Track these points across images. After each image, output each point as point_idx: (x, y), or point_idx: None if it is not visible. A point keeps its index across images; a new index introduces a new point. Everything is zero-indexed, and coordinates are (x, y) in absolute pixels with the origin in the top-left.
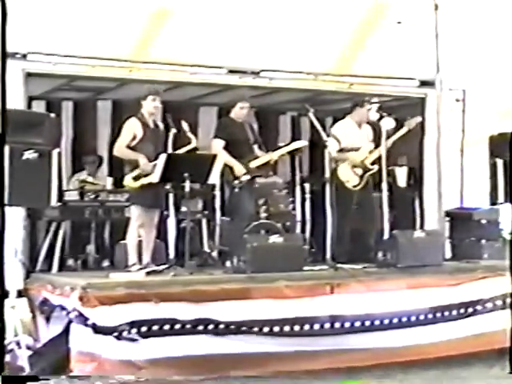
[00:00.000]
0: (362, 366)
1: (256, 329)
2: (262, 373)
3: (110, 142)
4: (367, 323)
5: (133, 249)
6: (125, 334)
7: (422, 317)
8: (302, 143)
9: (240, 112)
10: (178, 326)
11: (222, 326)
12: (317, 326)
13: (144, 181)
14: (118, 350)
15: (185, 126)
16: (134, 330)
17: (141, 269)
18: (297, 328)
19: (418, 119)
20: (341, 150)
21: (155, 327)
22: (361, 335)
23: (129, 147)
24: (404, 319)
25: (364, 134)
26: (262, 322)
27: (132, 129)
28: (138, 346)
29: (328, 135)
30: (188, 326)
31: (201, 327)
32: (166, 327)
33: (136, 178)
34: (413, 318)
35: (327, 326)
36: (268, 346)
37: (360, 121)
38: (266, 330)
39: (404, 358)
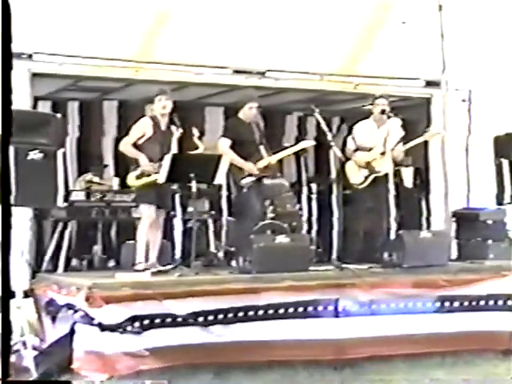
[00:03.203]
0: (362, 358)
1: (251, 313)
2: (259, 361)
3: (116, 141)
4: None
5: (142, 248)
6: (128, 328)
7: (428, 304)
8: (310, 143)
9: (249, 112)
10: (179, 319)
11: (220, 316)
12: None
13: (146, 180)
14: (121, 343)
15: (195, 131)
16: (137, 324)
17: (146, 269)
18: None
19: (439, 131)
20: (356, 150)
21: (157, 320)
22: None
23: (134, 145)
24: (410, 304)
25: (381, 135)
26: (259, 306)
27: (143, 128)
28: (140, 338)
29: (334, 136)
30: (190, 320)
31: (201, 319)
32: (168, 320)
33: (139, 177)
34: (418, 304)
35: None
36: (265, 335)
37: (378, 120)
38: (260, 312)
39: (407, 349)
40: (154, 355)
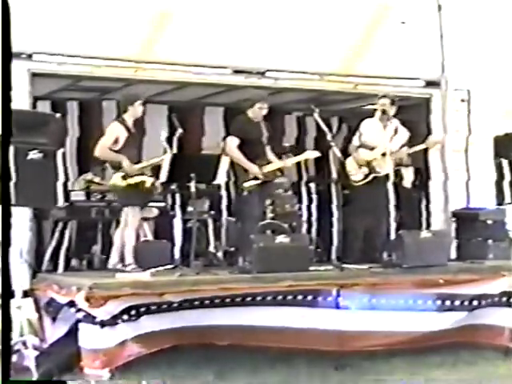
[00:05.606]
0: (359, 351)
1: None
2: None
3: None
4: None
5: (118, 249)
6: (125, 317)
7: (428, 302)
8: (315, 154)
9: (258, 112)
10: (175, 305)
11: (217, 301)
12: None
13: (131, 181)
14: (119, 334)
15: (163, 134)
16: (133, 312)
17: (120, 270)
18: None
19: (438, 140)
20: (360, 146)
21: (153, 307)
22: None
23: (111, 150)
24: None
25: (386, 136)
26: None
27: (115, 132)
28: (135, 325)
29: (333, 136)
30: (184, 305)
31: (196, 303)
32: (164, 306)
33: (124, 178)
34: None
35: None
36: (258, 320)
37: (382, 120)
38: (258, 298)
39: (409, 344)
40: (148, 340)
